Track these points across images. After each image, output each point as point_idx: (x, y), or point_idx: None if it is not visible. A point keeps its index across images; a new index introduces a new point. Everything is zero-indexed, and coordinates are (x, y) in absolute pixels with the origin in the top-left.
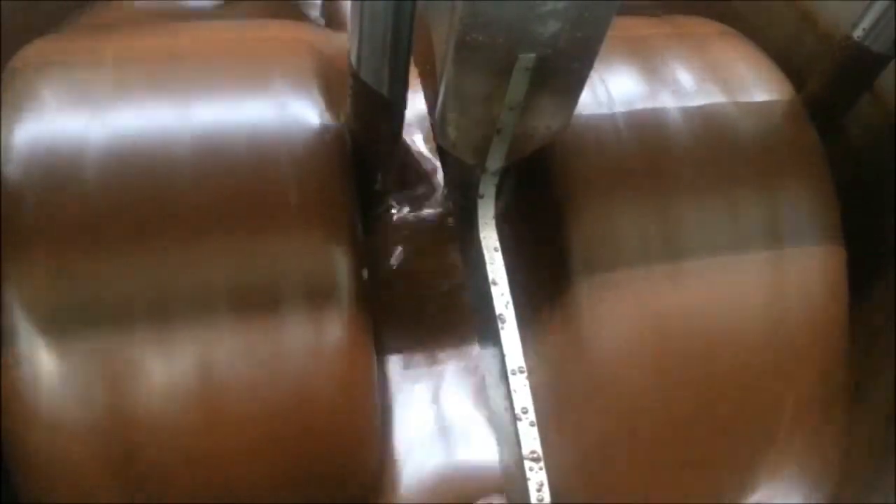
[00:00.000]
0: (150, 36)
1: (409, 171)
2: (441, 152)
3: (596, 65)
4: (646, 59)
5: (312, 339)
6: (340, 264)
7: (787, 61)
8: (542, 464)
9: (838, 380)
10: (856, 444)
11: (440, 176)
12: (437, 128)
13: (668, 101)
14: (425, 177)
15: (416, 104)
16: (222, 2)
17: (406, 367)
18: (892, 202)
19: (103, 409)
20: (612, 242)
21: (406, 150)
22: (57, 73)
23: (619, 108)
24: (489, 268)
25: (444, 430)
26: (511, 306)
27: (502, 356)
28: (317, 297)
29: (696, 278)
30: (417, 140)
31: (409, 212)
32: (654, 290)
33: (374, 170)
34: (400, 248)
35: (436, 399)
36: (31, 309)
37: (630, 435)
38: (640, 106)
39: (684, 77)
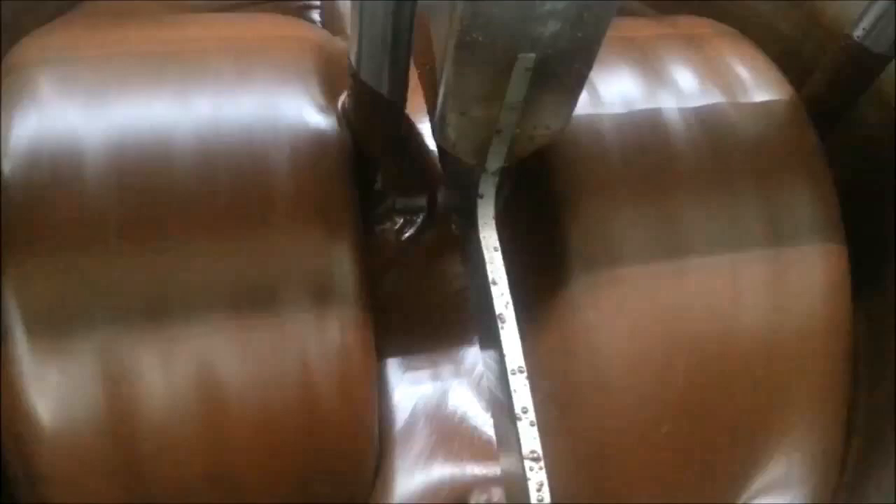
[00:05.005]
0: (150, 31)
1: (409, 171)
2: (441, 152)
3: (596, 65)
4: (646, 59)
5: (313, 338)
6: (341, 264)
7: (787, 61)
8: (542, 464)
9: (841, 378)
10: (856, 444)
11: (440, 176)
12: (436, 128)
13: (667, 102)
14: (425, 177)
15: (416, 104)
16: None
17: (405, 366)
18: (892, 202)
19: (103, 409)
20: (612, 242)
21: (406, 150)
22: (56, 68)
23: (619, 109)
24: (489, 267)
25: (443, 430)
26: (511, 306)
27: (502, 356)
28: (317, 296)
29: (695, 277)
30: (418, 140)
31: (409, 212)
32: (654, 290)
33: (374, 170)
34: (400, 248)
35: (435, 399)
36: (30, 308)
37: (630, 434)
38: (639, 106)
39: (684, 77)
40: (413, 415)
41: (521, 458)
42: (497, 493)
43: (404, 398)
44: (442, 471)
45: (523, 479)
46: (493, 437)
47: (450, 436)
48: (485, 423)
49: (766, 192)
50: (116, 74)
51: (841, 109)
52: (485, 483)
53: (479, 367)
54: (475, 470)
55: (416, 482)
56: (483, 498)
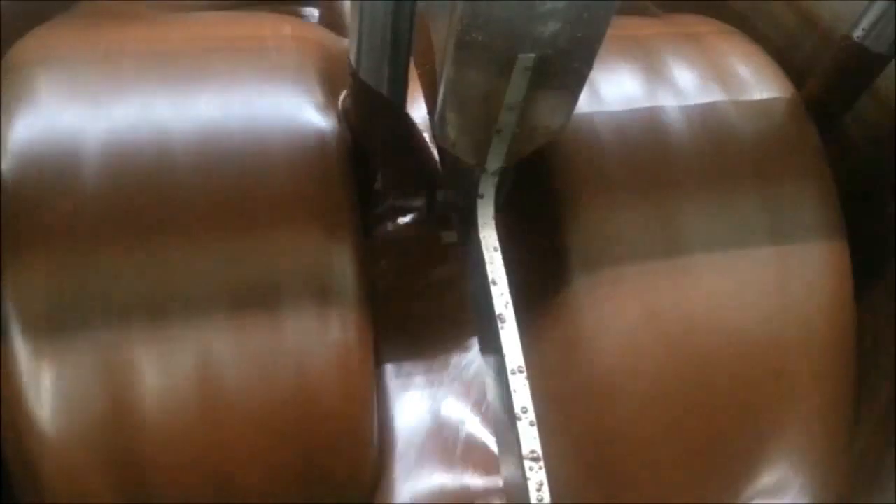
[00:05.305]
0: (149, 30)
1: (409, 170)
2: (441, 152)
3: (596, 64)
4: (646, 58)
5: (312, 338)
6: (340, 264)
7: (787, 60)
8: (542, 463)
9: (842, 378)
10: (856, 444)
11: (440, 176)
12: (436, 128)
13: (668, 101)
14: (425, 176)
15: (416, 104)
16: None
17: (405, 366)
18: (892, 201)
19: (102, 409)
20: (611, 241)
21: (406, 150)
22: (55, 67)
23: (620, 108)
24: (489, 267)
25: (443, 431)
26: (511, 306)
27: (502, 356)
28: (316, 296)
29: (696, 277)
30: (417, 139)
31: (409, 211)
32: (654, 289)
33: (374, 169)
34: (400, 248)
35: (435, 398)
36: (29, 307)
37: (630, 434)
38: (640, 105)
39: (684, 76)
40: (411, 418)
41: (521, 458)
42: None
43: (403, 398)
44: (441, 479)
45: (523, 479)
46: (492, 444)
47: (449, 443)
48: (483, 430)
49: (767, 190)
50: (116, 74)
51: (841, 109)
52: (485, 494)
53: (478, 370)
54: (475, 480)
55: (415, 489)
56: None
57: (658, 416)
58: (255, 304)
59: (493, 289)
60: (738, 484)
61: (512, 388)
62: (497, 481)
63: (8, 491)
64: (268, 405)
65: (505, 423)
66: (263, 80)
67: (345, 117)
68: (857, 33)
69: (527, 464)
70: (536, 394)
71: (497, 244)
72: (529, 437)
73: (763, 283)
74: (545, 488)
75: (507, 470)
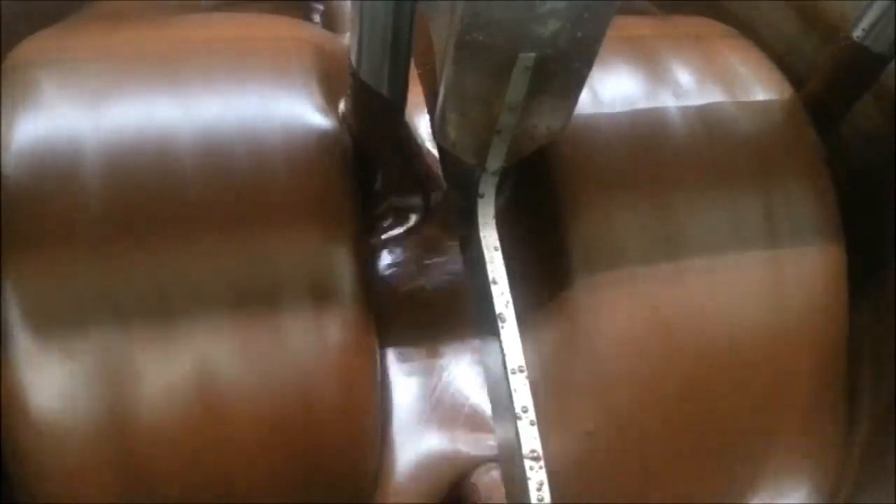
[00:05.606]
0: (150, 32)
1: (409, 171)
2: (441, 152)
3: (596, 65)
4: (646, 59)
5: (313, 338)
6: (341, 263)
7: (787, 62)
8: (542, 463)
9: (838, 378)
10: (856, 444)
11: (440, 176)
12: (436, 128)
13: (667, 101)
14: (425, 176)
15: (416, 104)
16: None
17: (407, 365)
18: (891, 202)
19: (103, 410)
20: (611, 241)
21: (406, 150)
22: (57, 69)
23: (619, 108)
24: (489, 267)
25: (444, 429)
26: (511, 305)
27: (502, 355)
28: (317, 296)
29: (695, 277)
30: (418, 139)
31: (409, 211)
32: (653, 289)
33: (374, 169)
34: (400, 248)
35: (436, 397)
36: (29, 307)
37: (630, 434)
38: (639, 106)
39: (684, 77)
40: (412, 396)
41: (522, 458)
42: (496, 473)
43: (404, 397)
44: (440, 465)
45: (523, 479)
46: (493, 435)
47: (450, 435)
48: (484, 421)
49: (766, 191)
50: (117, 75)
51: (841, 109)
52: (484, 461)
53: (477, 363)
54: (474, 463)
55: (414, 480)
56: (484, 475)
57: (658, 416)
58: (256, 305)
59: (493, 288)
60: (737, 483)
61: (512, 388)
62: (492, 446)
63: (8, 491)
64: (268, 405)
65: (505, 422)
66: (264, 81)
67: (345, 118)
68: (858, 33)
69: (527, 463)
70: (537, 393)
71: (497, 244)
72: (530, 437)
73: (761, 283)
74: (545, 488)
75: (507, 470)
